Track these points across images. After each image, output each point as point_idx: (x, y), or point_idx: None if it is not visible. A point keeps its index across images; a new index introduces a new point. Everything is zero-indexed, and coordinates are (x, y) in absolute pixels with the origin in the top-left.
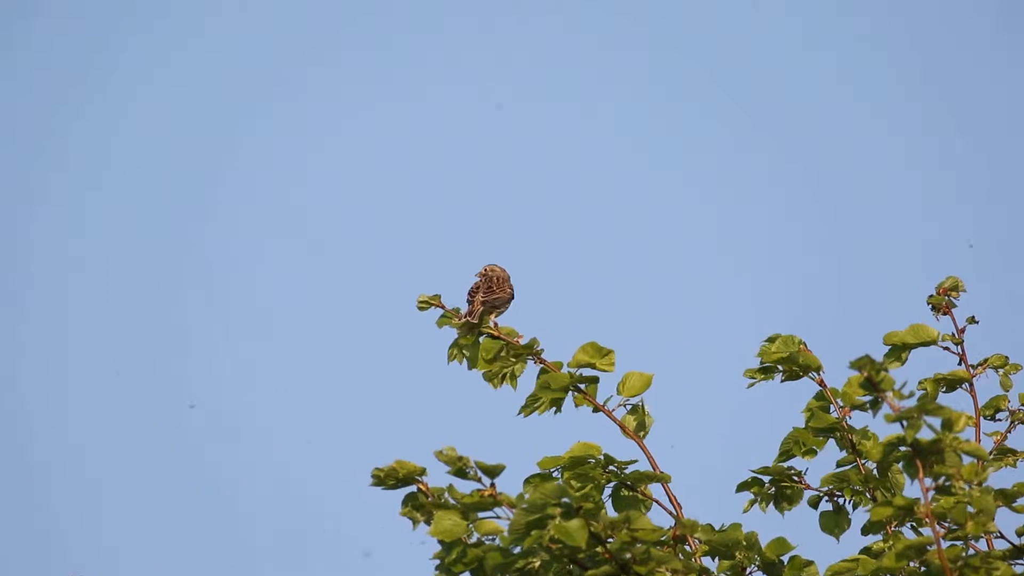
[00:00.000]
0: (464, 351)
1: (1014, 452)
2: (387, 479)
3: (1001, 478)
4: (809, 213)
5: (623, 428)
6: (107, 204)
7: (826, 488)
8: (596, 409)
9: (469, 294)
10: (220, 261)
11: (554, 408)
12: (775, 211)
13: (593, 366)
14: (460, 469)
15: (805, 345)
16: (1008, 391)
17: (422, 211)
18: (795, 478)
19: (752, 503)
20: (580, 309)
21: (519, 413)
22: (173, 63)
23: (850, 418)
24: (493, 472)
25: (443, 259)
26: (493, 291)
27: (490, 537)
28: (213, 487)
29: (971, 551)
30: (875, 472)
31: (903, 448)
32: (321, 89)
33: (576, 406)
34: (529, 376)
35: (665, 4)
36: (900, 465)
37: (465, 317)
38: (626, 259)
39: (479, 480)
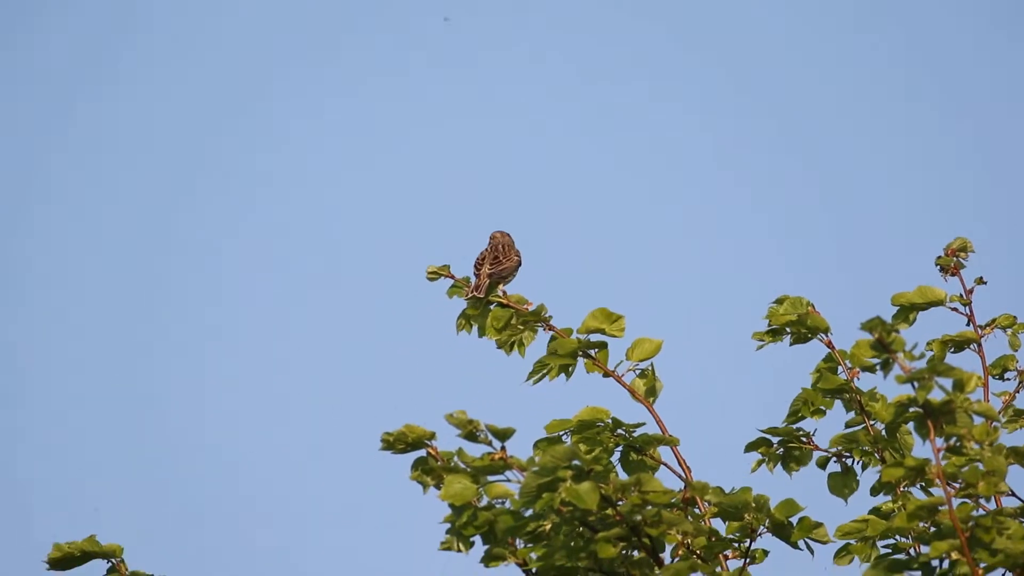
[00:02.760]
0: (473, 321)
1: None
2: (396, 443)
3: (1015, 436)
4: (812, 178)
5: (632, 392)
6: (106, 202)
7: (835, 449)
8: (606, 374)
9: (475, 265)
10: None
11: (563, 374)
12: (776, 178)
13: (603, 331)
14: (470, 433)
15: (813, 307)
16: (1016, 351)
17: (423, 180)
18: (803, 439)
19: (760, 463)
20: (590, 275)
21: (527, 379)
22: (174, 61)
23: (858, 380)
24: (503, 435)
25: (450, 224)
26: (499, 261)
27: (500, 500)
28: (214, 465)
29: (981, 511)
30: (884, 433)
31: (913, 409)
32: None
33: (587, 372)
34: (540, 343)
35: None
36: (910, 426)
37: (472, 292)
38: (635, 225)
39: (489, 444)
